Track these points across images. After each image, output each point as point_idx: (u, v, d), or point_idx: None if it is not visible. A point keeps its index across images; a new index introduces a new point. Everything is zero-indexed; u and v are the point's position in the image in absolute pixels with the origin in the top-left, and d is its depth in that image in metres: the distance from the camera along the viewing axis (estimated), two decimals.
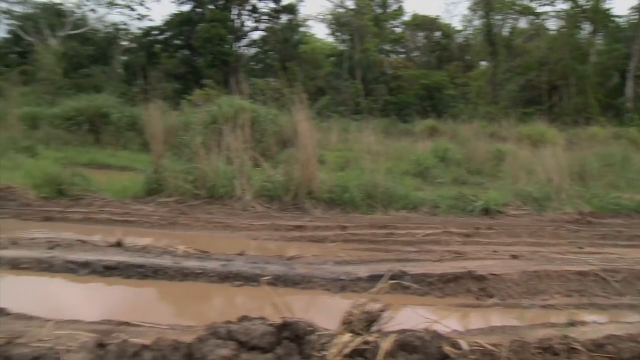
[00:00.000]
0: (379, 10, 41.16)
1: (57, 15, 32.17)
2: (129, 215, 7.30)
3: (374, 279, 4.70)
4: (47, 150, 12.43)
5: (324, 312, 4.32)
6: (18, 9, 32.23)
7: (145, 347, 2.80)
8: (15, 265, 4.93)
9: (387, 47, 42.27)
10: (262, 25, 37.42)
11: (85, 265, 4.94)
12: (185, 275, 4.88)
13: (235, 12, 36.06)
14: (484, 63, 38.85)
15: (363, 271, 4.99)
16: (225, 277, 4.83)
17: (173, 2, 36.03)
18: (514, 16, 35.86)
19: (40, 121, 15.71)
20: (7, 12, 32.41)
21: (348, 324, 2.93)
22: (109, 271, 4.88)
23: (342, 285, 4.77)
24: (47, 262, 4.98)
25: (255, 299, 4.59)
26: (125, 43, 36.82)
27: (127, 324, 3.59)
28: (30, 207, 7.65)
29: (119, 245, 5.52)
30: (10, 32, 33.64)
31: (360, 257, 5.63)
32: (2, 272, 4.86)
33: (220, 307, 4.63)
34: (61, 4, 32.52)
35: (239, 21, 36.40)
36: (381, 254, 5.94)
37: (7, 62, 30.37)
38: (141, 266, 4.94)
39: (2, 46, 34.10)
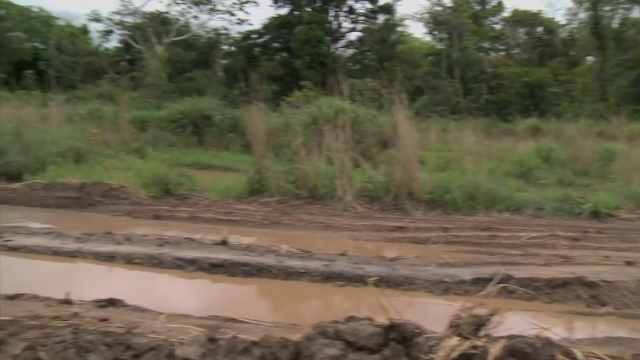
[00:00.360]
0: (478, 7, 40.12)
1: (163, 23, 33.58)
2: (233, 214, 7.47)
3: (478, 282, 4.57)
4: (155, 151, 12.96)
5: (427, 314, 4.23)
6: (129, 20, 33.93)
7: (254, 344, 2.82)
8: (129, 260, 5.16)
9: (486, 45, 41.16)
10: (359, 26, 37.42)
11: (193, 262, 5.08)
12: (289, 274, 4.92)
13: (332, 13, 36.28)
14: (590, 58, 36.97)
15: (467, 274, 4.86)
16: (328, 277, 4.83)
17: (271, 6, 36.73)
18: (625, 6, 33.79)
19: (148, 124, 16.40)
20: (120, 23, 34.19)
21: (455, 327, 2.83)
22: (214, 268, 5.00)
23: (445, 288, 4.66)
24: (157, 258, 5.16)
25: (358, 299, 4.56)
26: (225, 47, 37.88)
27: (233, 320, 3.65)
28: (141, 205, 8.00)
29: (224, 243, 5.64)
30: (121, 41, 35.52)
31: (463, 260, 5.48)
32: (118, 265, 5.09)
33: (324, 307, 4.63)
34: (166, 13, 33.94)
35: (335, 22, 36.60)
36: (484, 256, 5.78)
37: (118, 69, 32.04)
38: (245, 264, 5.02)
39: (114, 54, 36.03)
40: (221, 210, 7.67)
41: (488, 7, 41.45)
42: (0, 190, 8.73)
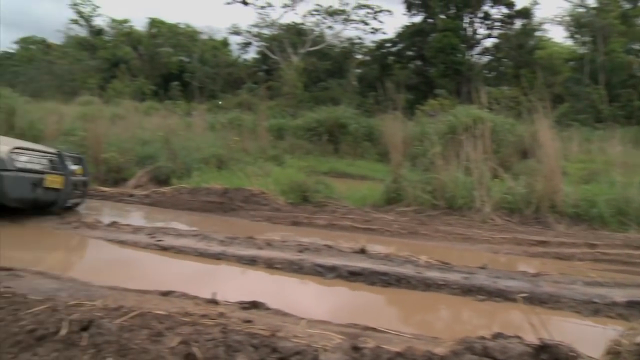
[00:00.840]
0: (627, 6, 37.44)
1: (298, 34, 34.54)
2: (370, 223, 7.47)
3: (633, 305, 4.22)
4: (292, 159, 13.30)
5: (576, 336, 3.96)
6: (266, 32, 35.22)
7: (398, 355, 2.78)
8: (270, 265, 5.28)
9: (637, 47, 38.35)
10: (495, 32, 36.37)
11: (332, 269, 5.11)
12: (427, 285, 4.82)
13: (466, 20, 35.55)
14: None
15: (619, 295, 4.49)
16: (468, 290, 4.68)
17: (405, 14, 36.63)
18: None
19: (285, 132, 16.89)
20: (257, 35, 35.59)
21: (615, 355, 2.62)
22: (353, 276, 4.99)
23: (594, 309, 4.34)
24: (297, 263, 5.24)
25: (499, 315, 4.38)
26: (359, 56, 38.22)
27: (373, 329, 3.61)
28: (280, 212, 8.21)
29: (362, 252, 5.64)
30: (259, 52, 36.95)
31: (613, 279, 5.09)
32: (259, 269, 5.24)
33: (464, 321, 4.48)
34: (302, 24, 34.87)
35: (470, 29, 35.82)
36: (638, 277, 5.34)
37: (255, 79, 33.34)
38: (384, 273, 4.98)
39: (252, 65, 37.54)
40: (359, 218, 7.70)
41: None
42: (152, 193, 9.37)
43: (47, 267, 4.70)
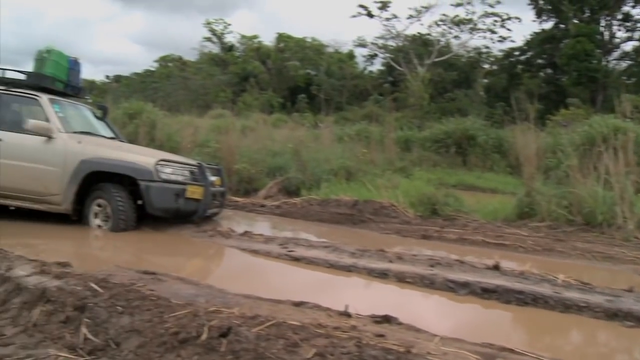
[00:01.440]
0: None
1: (424, 44, 34.31)
2: (502, 238, 7.27)
3: None
4: (419, 171, 13.23)
5: None
6: (392, 43, 35.30)
7: None
8: (401, 279, 5.28)
9: None
10: (637, 35, 34.07)
11: (464, 285, 5.02)
12: (567, 306, 4.61)
13: (603, 23, 33.62)
14: None
15: None
16: (613, 315, 4.42)
17: (534, 21, 35.26)
18: None
19: (412, 144, 16.83)
20: (383, 47, 35.75)
21: None
22: (487, 293, 4.88)
23: None
24: (429, 278, 5.20)
25: None
26: (486, 66, 37.33)
27: (510, 350, 3.52)
28: (409, 225, 8.19)
29: (496, 268, 5.51)
30: (384, 64, 37.09)
31: None
32: (390, 283, 5.27)
33: (611, 348, 4.26)
34: (428, 35, 34.61)
35: (607, 33, 33.82)
36: None
37: (381, 91, 33.48)
38: (519, 292, 4.83)
39: (378, 77, 37.73)
40: (490, 233, 7.51)
41: None
42: (282, 203, 9.68)
43: (186, 273, 4.95)
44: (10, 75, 7.98)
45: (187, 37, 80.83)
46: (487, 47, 35.85)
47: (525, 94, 26.51)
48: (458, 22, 33.89)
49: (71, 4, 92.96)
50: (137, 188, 6.98)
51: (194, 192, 7.20)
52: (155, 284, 4.41)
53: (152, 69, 45.02)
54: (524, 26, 70.54)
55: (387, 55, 35.53)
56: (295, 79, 37.67)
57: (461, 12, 33.30)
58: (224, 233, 7.05)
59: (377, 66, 39.04)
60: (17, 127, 7.47)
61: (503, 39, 34.65)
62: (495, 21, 33.36)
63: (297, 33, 39.49)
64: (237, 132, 16.44)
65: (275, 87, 36.59)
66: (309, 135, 16.57)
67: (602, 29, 33.57)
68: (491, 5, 32.47)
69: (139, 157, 7.26)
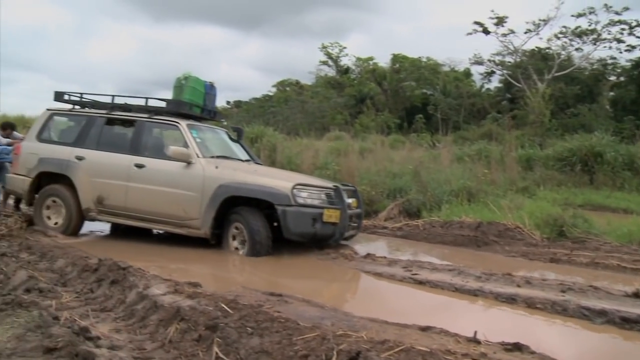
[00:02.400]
0: None
1: (544, 59, 33.13)
2: None
3: None
4: (543, 190, 12.70)
5: None
6: (509, 59, 34.38)
7: None
8: (530, 304, 5.07)
9: None
10: None
11: (601, 313, 4.74)
12: None
13: None
14: None
15: None
16: None
17: None
18: None
19: (534, 162, 16.22)
20: (500, 64, 34.89)
21: None
22: (627, 323, 4.56)
23: None
24: (561, 305, 4.96)
25: None
26: (612, 78, 35.40)
27: None
28: (536, 247, 7.87)
29: (636, 295, 5.16)
30: (502, 81, 36.14)
31: None
32: (519, 308, 5.06)
33: None
34: (547, 49, 33.39)
35: None
36: None
37: (499, 109, 32.61)
38: None
39: (496, 94, 36.81)
40: (626, 257, 7.06)
41: None
42: (404, 225, 9.61)
43: (311, 295, 4.99)
44: (152, 103, 8.40)
45: (304, 62, 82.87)
46: (613, 58, 34.01)
47: None
48: (580, 34, 32.45)
49: (194, 35, 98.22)
50: (273, 212, 7.03)
51: (331, 215, 7.11)
52: (282, 306, 4.50)
53: (270, 93, 46.64)
54: None
55: (505, 71, 34.59)
56: (412, 99, 37.54)
57: (583, 23, 31.85)
58: (346, 255, 7.11)
59: (494, 83, 38.18)
60: (158, 153, 7.78)
61: (632, 48, 32.69)
62: (622, 29, 31.57)
63: (412, 53, 39.32)
64: (356, 154, 16.56)
65: (391, 108, 36.63)
66: (427, 156, 16.42)
67: None
68: (617, 13, 30.82)
69: (276, 181, 7.26)
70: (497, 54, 34.49)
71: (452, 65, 40.05)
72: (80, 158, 8.03)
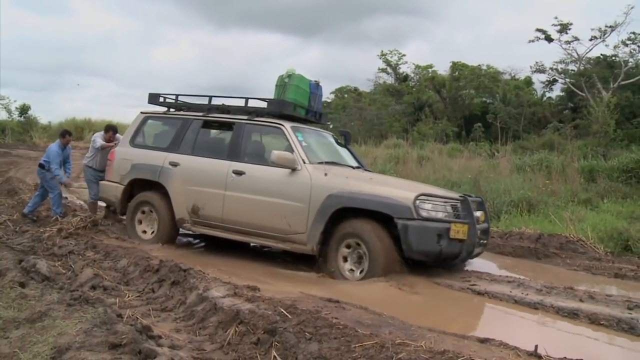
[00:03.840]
0: None
1: (609, 67, 32.16)
2: None
3: None
4: (606, 203, 12.31)
5: None
6: (572, 67, 33.52)
7: None
8: (593, 320, 4.94)
9: None
10: None
11: None
12: None
13: None
14: None
15: None
16: None
17: None
18: None
19: (596, 174, 15.74)
20: (563, 72, 34.06)
21: None
22: None
23: None
24: (628, 322, 4.81)
25: None
26: None
27: None
28: (600, 261, 7.65)
29: None
30: (564, 89, 35.26)
31: None
32: (581, 324, 4.92)
33: None
34: (614, 56, 32.42)
35: None
36: None
37: (561, 118, 31.82)
38: None
39: (557, 103, 35.95)
40: None
41: None
42: None
43: (368, 303, 4.95)
44: (251, 104, 7.81)
45: (362, 69, 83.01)
46: None
47: None
48: None
49: (254, 42, 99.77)
50: (387, 224, 6.19)
51: (458, 231, 6.12)
52: (339, 312, 4.50)
53: (329, 100, 46.77)
54: None
55: (568, 80, 33.72)
56: (470, 107, 37.02)
57: None
58: None
59: (556, 92, 37.27)
60: (259, 159, 7.23)
61: None
62: None
63: (471, 61, 38.75)
64: (414, 161, 16.48)
65: (449, 116, 36.20)
66: (486, 165, 16.16)
67: None
68: None
69: (395, 190, 6.34)
70: (560, 62, 33.69)
71: (512, 73, 39.41)
72: (174, 164, 7.58)
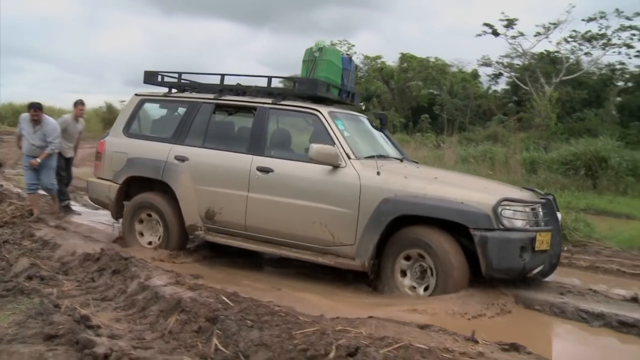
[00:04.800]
0: None
1: (552, 62, 33.01)
2: None
3: None
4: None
5: None
6: (518, 62, 34.30)
7: None
8: (529, 305, 5.10)
9: None
10: None
11: (599, 316, 4.77)
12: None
13: None
14: None
15: None
16: None
17: None
18: None
19: (538, 165, 16.19)
20: (508, 66, 34.81)
21: None
22: (624, 327, 4.59)
23: None
24: (559, 307, 5.00)
25: None
26: (620, 83, 35.23)
27: None
28: None
29: (634, 300, 5.18)
30: (509, 83, 36.05)
31: None
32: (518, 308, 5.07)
33: None
34: (556, 52, 33.28)
35: None
36: None
37: (505, 111, 32.57)
38: None
39: (502, 97, 36.74)
40: (627, 262, 7.05)
41: None
42: None
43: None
44: (275, 85, 6.70)
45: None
46: (621, 63, 33.72)
47: None
48: (590, 38, 32.24)
49: (203, 29, 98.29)
50: (452, 229, 5.11)
51: (543, 241, 5.08)
52: (282, 300, 4.53)
53: None
54: None
55: (513, 74, 34.45)
56: (418, 98, 37.39)
57: (593, 27, 31.65)
58: None
59: (501, 85, 37.97)
60: (289, 152, 6.16)
61: None
62: (633, 35, 31.34)
63: (420, 53, 38.95)
64: None
65: (397, 107, 36.49)
66: (432, 156, 16.43)
67: None
68: (628, 18, 30.59)
69: (469, 193, 5.14)
70: (506, 56, 34.34)
71: (460, 66, 39.88)
72: (181, 159, 6.27)
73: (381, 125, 6.86)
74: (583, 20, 31.75)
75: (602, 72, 34.40)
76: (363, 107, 7.34)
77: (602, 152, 15.89)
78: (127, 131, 6.87)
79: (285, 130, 6.46)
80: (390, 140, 6.83)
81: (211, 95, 6.51)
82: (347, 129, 5.95)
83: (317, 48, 6.35)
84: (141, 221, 6.62)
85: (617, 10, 30.26)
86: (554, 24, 31.78)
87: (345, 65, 6.66)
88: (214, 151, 6.20)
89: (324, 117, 5.79)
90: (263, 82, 6.55)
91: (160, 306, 4.20)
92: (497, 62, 35.14)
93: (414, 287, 5.20)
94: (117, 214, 6.87)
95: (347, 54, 6.83)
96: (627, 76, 34.19)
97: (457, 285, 4.94)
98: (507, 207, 4.97)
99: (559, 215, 5.46)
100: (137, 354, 3.32)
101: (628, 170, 15.41)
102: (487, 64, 35.64)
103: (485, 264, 4.88)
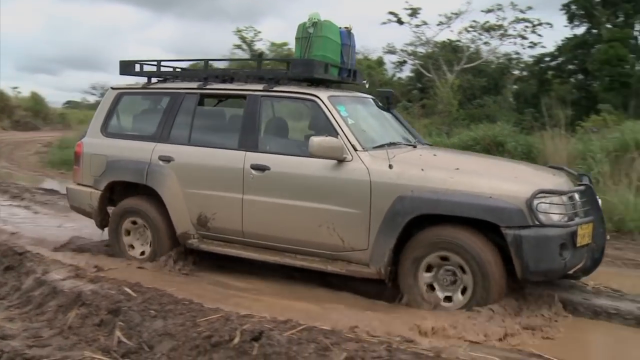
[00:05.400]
0: None
1: (454, 51, 34.12)
2: None
3: None
4: None
5: None
6: (421, 50, 35.21)
7: None
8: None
9: None
10: None
11: None
12: (597, 313, 4.61)
13: (637, 27, 33.01)
14: None
15: None
16: None
17: (566, 26, 34.73)
18: None
19: None
20: (412, 54, 35.68)
21: None
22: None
23: None
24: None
25: None
26: (516, 72, 36.95)
27: None
28: None
29: None
30: (413, 70, 37.00)
31: None
32: None
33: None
34: (457, 41, 34.41)
35: None
36: None
37: (410, 98, 33.38)
38: None
39: (407, 84, 37.64)
40: None
41: None
42: None
43: None
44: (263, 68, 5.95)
45: (218, 45, 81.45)
46: (517, 53, 35.36)
47: (555, 100, 26.25)
48: (488, 29, 33.55)
49: (103, 13, 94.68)
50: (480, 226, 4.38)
51: (584, 234, 4.43)
52: (187, 289, 4.51)
53: None
54: (556, 32, 69.53)
55: (417, 61, 35.34)
56: None
57: (491, 18, 32.96)
58: None
59: (406, 73, 38.86)
60: (286, 146, 5.46)
61: (534, 45, 34.09)
62: (526, 27, 32.87)
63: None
64: None
65: None
66: None
67: (636, 33, 33.00)
68: (522, 11, 32.04)
69: (498, 184, 4.41)
70: (410, 44, 35.14)
71: (365, 53, 40.51)
72: (166, 159, 5.56)
73: (388, 104, 5.79)
74: (482, 11, 32.96)
75: (499, 61, 35.91)
76: (367, 85, 6.47)
77: (500, 137, 16.53)
78: (106, 130, 6.10)
79: (280, 120, 5.83)
80: (400, 121, 6.00)
81: (195, 85, 5.79)
82: (351, 115, 5.21)
83: (311, 23, 5.56)
84: (128, 232, 5.92)
85: (512, 3, 31.62)
86: (456, 14, 32.81)
87: (344, 40, 5.82)
88: (202, 148, 5.50)
89: (323, 102, 5.04)
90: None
91: (58, 301, 4.08)
92: (402, 50, 35.88)
93: (451, 298, 4.47)
94: (101, 223, 6.08)
95: (346, 27, 5.90)
96: (522, 65, 35.90)
97: (500, 293, 4.33)
98: (543, 200, 4.27)
99: (599, 201, 4.72)
100: (32, 353, 3.23)
101: (523, 154, 16.17)
102: (392, 51, 36.35)
103: (520, 266, 4.20)
